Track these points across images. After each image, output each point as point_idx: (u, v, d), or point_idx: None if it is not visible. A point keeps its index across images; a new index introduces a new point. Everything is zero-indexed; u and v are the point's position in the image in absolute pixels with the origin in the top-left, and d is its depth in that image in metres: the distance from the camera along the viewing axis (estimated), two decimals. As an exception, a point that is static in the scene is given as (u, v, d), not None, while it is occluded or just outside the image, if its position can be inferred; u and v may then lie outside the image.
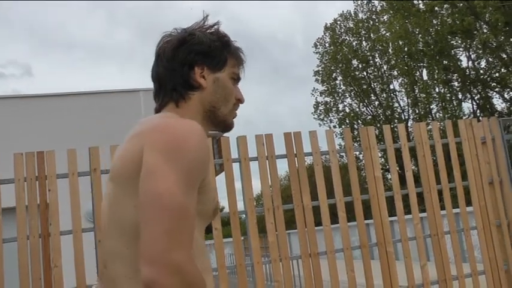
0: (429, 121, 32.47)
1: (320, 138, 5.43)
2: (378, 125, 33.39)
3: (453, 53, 30.84)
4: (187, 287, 1.13)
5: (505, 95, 30.16)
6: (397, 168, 6.12)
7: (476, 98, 31.98)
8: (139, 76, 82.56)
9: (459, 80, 31.11)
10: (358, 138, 17.15)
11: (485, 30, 28.45)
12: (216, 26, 1.59)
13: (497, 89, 30.54)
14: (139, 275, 1.17)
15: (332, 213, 5.11)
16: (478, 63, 31.48)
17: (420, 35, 31.03)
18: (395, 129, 12.30)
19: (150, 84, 1.62)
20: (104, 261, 1.41)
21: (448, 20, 28.89)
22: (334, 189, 5.29)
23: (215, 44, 1.56)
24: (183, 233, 1.17)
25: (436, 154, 5.83)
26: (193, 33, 1.56)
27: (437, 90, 33.03)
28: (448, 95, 32.76)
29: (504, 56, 28.70)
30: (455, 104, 33.03)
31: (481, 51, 29.94)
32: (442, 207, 5.98)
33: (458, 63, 30.98)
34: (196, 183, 1.29)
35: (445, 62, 30.16)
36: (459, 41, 30.28)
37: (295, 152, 5.29)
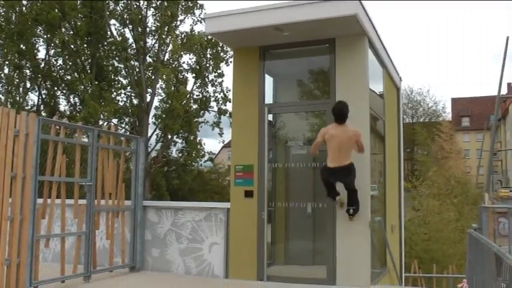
0: None
1: None
2: None
3: (34, 40, 30.08)
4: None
5: (71, 99, 31.01)
6: None
7: (43, 92, 31.80)
8: None
9: (31, 69, 30.45)
10: None
11: (68, 32, 28.91)
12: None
13: (64, 91, 31.13)
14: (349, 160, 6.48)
15: None
16: (56, 60, 31.55)
17: (4, 10, 29.21)
18: None
19: None
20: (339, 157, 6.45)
21: (37, 6, 28.17)
22: None
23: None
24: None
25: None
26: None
27: (6, 71, 31.44)
28: (17, 80, 31.59)
29: (79, 62, 29.67)
30: (21, 92, 32.04)
31: (59, 50, 30.16)
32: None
33: (35, 52, 30.37)
34: None
35: (22, 46, 29.06)
36: (42, 32, 29.79)
37: None
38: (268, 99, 7.41)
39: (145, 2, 29.37)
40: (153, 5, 29.67)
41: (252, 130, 7.12)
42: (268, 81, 7.49)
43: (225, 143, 32.97)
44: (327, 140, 6.48)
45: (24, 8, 29.35)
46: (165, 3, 28.82)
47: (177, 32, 30.07)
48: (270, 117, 7.32)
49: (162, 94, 30.22)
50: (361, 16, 6.41)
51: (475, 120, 76.39)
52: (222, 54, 30.19)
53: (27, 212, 6.00)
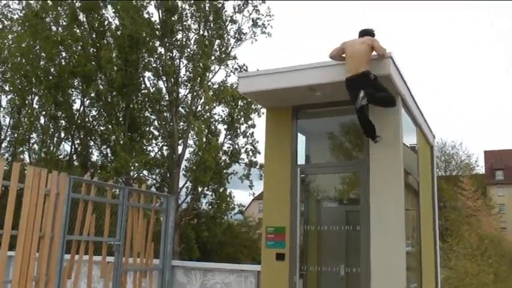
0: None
1: None
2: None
3: (70, 92, 30.88)
4: None
5: (102, 149, 31.38)
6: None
7: (77, 142, 32.34)
8: None
9: (66, 119, 31.11)
10: None
11: (103, 83, 29.57)
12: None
13: (97, 141, 31.57)
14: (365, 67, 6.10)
15: None
16: (90, 111, 32.19)
17: (44, 62, 30.21)
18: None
19: None
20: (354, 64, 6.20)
21: (74, 59, 29.06)
22: None
23: None
24: None
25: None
26: None
27: (42, 121, 32.27)
28: (52, 130, 32.33)
29: (113, 113, 30.20)
30: (55, 142, 32.73)
31: (94, 101, 30.82)
32: None
33: (71, 103, 31.10)
34: None
35: (59, 97, 29.85)
36: (77, 83, 30.56)
37: None
38: (301, 157, 7.28)
39: (178, 54, 29.88)
40: (186, 55, 30.09)
41: (284, 191, 6.96)
42: (301, 139, 7.39)
43: (255, 195, 32.62)
44: (345, 52, 6.31)
45: (62, 61, 30.28)
46: (199, 56, 29.27)
47: (210, 84, 30.33)
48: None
49: (193, 146, 30.32)
50: (394, 76, 6.32)
51: (509, 173, 74.53)
52: (253, 105, 30.26)
53: (53, 273, 5.90)
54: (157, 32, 28.68)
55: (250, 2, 30.00)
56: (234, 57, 30.67)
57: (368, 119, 6.40)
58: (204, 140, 29.49)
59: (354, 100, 6.06)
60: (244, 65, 30.26)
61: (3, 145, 32.90)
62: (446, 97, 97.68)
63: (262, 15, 30.03)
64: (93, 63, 28.52)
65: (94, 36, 29.78)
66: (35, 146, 32.75)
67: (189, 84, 30.00)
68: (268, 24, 30.09)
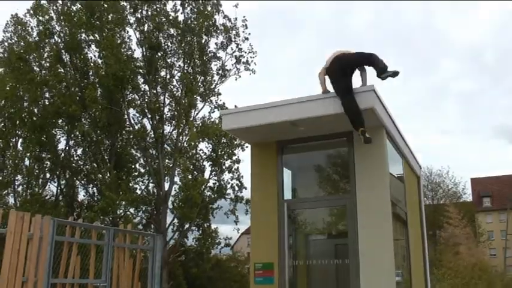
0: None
1: None
2: None
3: (54, 132, 30.69)
4: None
5: (89, 189, 31.01)
6: None
7: (62, 182, 31.95)
8: None
9: (51, 160, 30.81)
10: None
11: (88, 122, 29.43)
12: None
13: (83, 181, 31.20)
14: None
15: None
16: (75, 151, 31.92)
17: (27, 104, 30.09)
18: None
19: None
20: None
21: (58, 100, 28.94)
22: None
23: None
24: None
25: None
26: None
27: (27, 162, 31.92)
28: (37, 171, 31.96)
29: (98, 152, 29.98)
30: (40, 183, 32.31)
31: (79, 140, 30.62)
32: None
33: (56, 143, 30.86)
34: None
35: (43, 138, 29.62)
36: (63, 123, 30.40)
37: None
38: (287, 192, 7.26)
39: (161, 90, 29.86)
40: (169, 92, 30.04)
41: (272, 226, 6.91)
42: (286, 174, 7.37)
43: (239, 230, 32.16)
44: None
45: (46, 101, 30.15)
46: (184, 93, 29.25)
47: (194, 120, 30.22)
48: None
49: (179, 183, 30.00)
50: (377, 108, 6.36)
51: (496, 200, 74.87)
52: (236, 141, 30.11)
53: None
54: (140, 70, 28.75)
55: (233, 40, 30.27)
56: (218, 94, 30.75)
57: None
58: (190, 176, 29.24)
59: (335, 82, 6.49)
60: (224, 104, 30.35)
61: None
62: (430, 126, 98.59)
63: (245, 52, 30.28)
64: (77, 102, 28.41)
65: (78, 76, 29.76)
66: (20, 187, 32.29)
67: (173, 122, 29.91)
68: (252, 61, 30.34)
